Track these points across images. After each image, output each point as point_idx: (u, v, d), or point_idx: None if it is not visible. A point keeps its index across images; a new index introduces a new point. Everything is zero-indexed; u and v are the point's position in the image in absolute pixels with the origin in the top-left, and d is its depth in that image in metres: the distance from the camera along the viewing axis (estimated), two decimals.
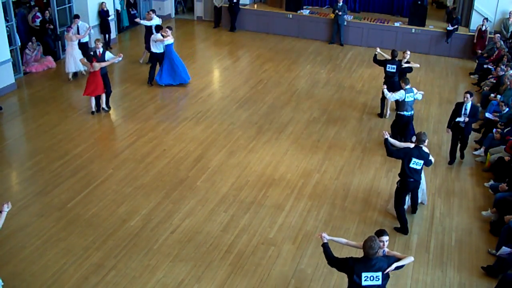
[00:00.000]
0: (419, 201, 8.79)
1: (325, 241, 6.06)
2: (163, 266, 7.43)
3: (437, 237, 8.30)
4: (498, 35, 15.61)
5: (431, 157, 8.08)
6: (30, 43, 14.60)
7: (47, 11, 15.38)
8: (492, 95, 12.53)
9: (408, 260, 5.84)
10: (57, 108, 12.45)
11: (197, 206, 8.83)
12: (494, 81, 13.22)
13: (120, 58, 12.18)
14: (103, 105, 12.21)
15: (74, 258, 7.52)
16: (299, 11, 18.73)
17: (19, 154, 10.47)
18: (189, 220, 8.45)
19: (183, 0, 21.89)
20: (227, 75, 15.05)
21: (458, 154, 10.54)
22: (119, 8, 18.05)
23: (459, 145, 10.41)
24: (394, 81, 11.50)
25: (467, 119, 9.89)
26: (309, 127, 11.81)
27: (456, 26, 16.84)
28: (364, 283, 5.54)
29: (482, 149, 10.66)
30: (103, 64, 11.71)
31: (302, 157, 10.51)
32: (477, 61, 15.55)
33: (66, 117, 11.97)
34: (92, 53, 11.98)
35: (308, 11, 18.96)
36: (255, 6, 19.67)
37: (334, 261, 5.85)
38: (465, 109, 9.89)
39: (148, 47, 14.38)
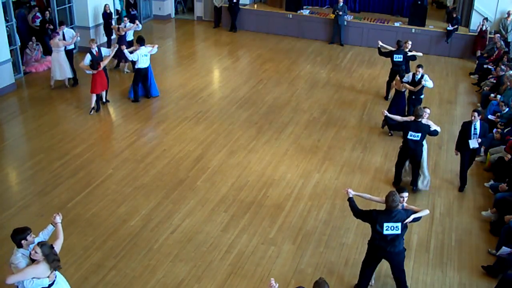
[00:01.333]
0: (422, 187, 9.43)
1: (351, 195, 6.79)
2: (163, 266, 7.43)
3: (437, 237, 8.30)
4: (498, 35, 15.62)
5: (434, 128, 9.08)
6: (30, 43, 14.60)
7: (47, 11, 15.38)
8: (492, 95, 12.53)
9: (425, 212, 6.67)
10: (57, 108, 12.46)
11: (197, 206, 8.83)
12: (494, 81, 13.22)
13: (116, 49, 12.26)
14: (104, 99, 12.46)
15: (74, 258, 7.52)
16: (299, 11, 18.73)
17: (19, 154, 10.46)
18: (189, 220, 8.45)
19: (183, 0, 21.90)
20: (227, 75, 15.06)
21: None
22: (119, 8, 18.03)
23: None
24: (402, 69, 12.06)
25: (479, 140, 9.04)
26: (309, 127, 11.81)
27: (456, 26, 16.84)
28: (385, 232, 6.34)
29: (482, 149, 10.65)
30: (105, 62, 12.03)
31: (302, 157, 10.51)
32: (477, 61, 15.55)
33: (66, 117, 11.98)
34: (89, 55, 11.90)
35: (308, 11, 18.96)
36: (255, 6, 19.67)
37: (359, 213, 6.64)
38: (475, 129, 9.01)
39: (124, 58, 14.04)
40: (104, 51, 12.26)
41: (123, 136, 11.15)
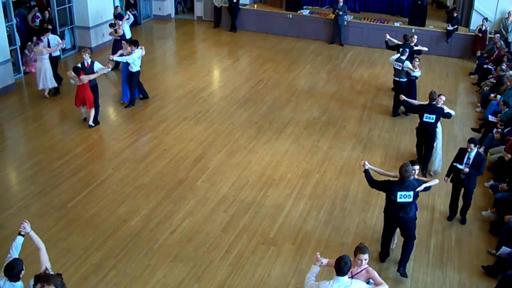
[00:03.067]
0: (436, 167, 10.08)
1: (367, 167, 7.41)
2: (163, 266, 7.43)
3: (437, 237, 8.30)
4: (498, 35, 15.62)
5: (448, 110, 9.77)
6: (29, 43, 14.59)
7: (46, 11, 15.37)
8: (492, 95, 12.53)
9: (434, 182, 7.26)
10: (57, 108, 12.46)
11: (197, 206, 8.83)
12: (494, 81, 13.22)
13: (109, 69, 11.72)
14: (90, 121, 11.34)
15: (74, 258, 7.52)
16: (299, 11, 18.73)
17: (19, 154, 10.46)
18: (189, 220, 8.45)
19: (183, 0, 21.90)
20: (227, 75, 15.05)
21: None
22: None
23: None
24: (409, 61, 12.33)
25: (467, 169, 8.16)
26: (309, 127, 11.81)
27: (456, 26, 16.85)
28: (399, 200, 6.97)
29: (482, 149, 10.65)
30: (92, 77, 11.13)
31: (302, 157, 10.51)
32: (477, 61, 15.55)
33: (66, 117, 11.98)
34: (79, 64, 11.23)
35: (308, 11, 18.96)
36: (255, 6, 19.67)
37: (374, 183, 7.29)
38: (468, 158, 8.27)
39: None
40: (97, 66, 11.39)
41: (123, 136, 11.15)
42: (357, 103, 13.22)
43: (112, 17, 17.07)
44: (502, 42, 15.16)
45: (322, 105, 13.00)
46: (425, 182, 7.18)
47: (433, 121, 9.65)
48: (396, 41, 13.70)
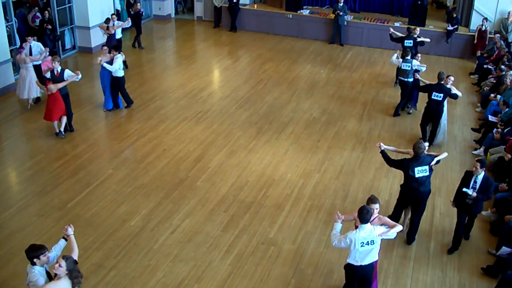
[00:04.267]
0: (440, 140, 10.97)
1: (382, 148, 8.00)
2: (163, 266, 7.43)
3: (437, 237, 8.30)
4: (498, 35, 15.62)
5: (455, 91, 10.49)
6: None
7: (46, 11, 15.37)
8: (492, 95, 12.53)
9: (444, 155, 8.02)
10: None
11: (197, 206, 8.83)
12: (494, 81, 13.22)
13: (79, 76, 10.72)
14: (62, 127, 10.80)
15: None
16: (299, 11, 18.74)
17: (19, 154, 10.46)
18: (189, 220, 8.45)
19: (183, 0, 21.90)
20: (227, 75, 15.05)
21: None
22: (119, 8, 18.05)
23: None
24: (412, 53, 12.70)
25: (474, 194, 7.57)
26: (309, 127, 11.81)
27: (456, 26, 16.85)
28: (417, 175, 7.58)
29: (482, 149, 10.66)
30: (60, 85, 10.46)
31: (302, 157, 10.51)
32: (477, 61, 15.55)
33: None
34: (48, 74, 10.64)
35: (308, 11, 18.96)
36: (255, 6, 19.67)
37: (392, 162, 7.85)
38: (475, 182, 7.66)
39: None
40: (67, 74, 10.66)
41: (123, 136, 11.15)
42: (357, 103, 13.22)
43: (112, 16, 17.12)
44: (502, 42, 15.16)
45: (322, 105, 13.00)
46: (436, 156, 7.85)
47: (440, 99, 10.42)
48: (400, 34, 14.24)
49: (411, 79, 12.09)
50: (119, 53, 11.80)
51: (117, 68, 11.71)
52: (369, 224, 6.16)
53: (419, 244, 8.10)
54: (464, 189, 7.58)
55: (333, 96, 13.58)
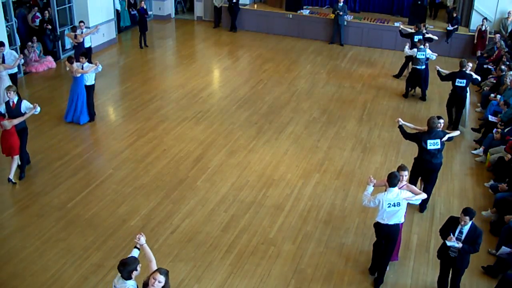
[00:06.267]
0: (467, 125, 11.80)
1: (400, 123, 8.73)
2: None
3: (437, 237, 8.25)
4: (498, 35, 15.62)
5: (475, 76, 11.48)
6: (29, 44, 14.59)
7: (46, 11, 15.39)
8: (492, 95, 12.53)
9: (456, 133, 8.79)
10: (57, 108, 12.44)
11: (197, 206, 8.83)
12: (494, 81, 13.22)
13: (38, 110, 9.22)
14: (11, 174, 9.22)
15: (74, 258, 7.52)
16: (299, 11, 18.74)
17: None
18: (189, 220, 8.45)
19: (183, 0, 21.90)
20: (227, 75, 15.05)
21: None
22: (119, 8, 18.05)
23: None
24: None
25: (460, 245, 6.50)
26: (309, 127, 11.81)
27: (456, 26, 16.85)
28: (429, 147, 8.33)
29: (481, 149, 10.66)
30: (16, 121, 8.99)
31: (302, 157, 10.51)
32: (477, 61, 15.55)
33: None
34: (3, 107, 9.16)
35: (308, 11, 18.96)
36: (255, 6, 19.68)
37: (407, 135, 8.66)
38: (460, 233, 6.55)
39: None
40: (25, 106, 9.24)
41: (123, 136, 11.15)
42: (357, 103, 13.22)
43: (113, 16, 17.16)
44: (502, 42, 15.15)
45: (322, 105, 13.00)
46: (449, 133, 8.54)
47: (463, 85, 11.29)
48: (409, 30, 14.81)
49: (423, 67, 13.02)
50: (86, 59, 11.20)
51: (92, 73, 11.16)
52: (396, 188, 6.80)
53: (419, 244, 8.11)
54: (448, 243, 6.50)
55: (333, 96, 13.58)
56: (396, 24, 17.57)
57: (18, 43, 14.07)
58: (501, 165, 9.54)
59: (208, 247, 7.83)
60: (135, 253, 5.60)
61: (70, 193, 9.08)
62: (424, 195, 7.07)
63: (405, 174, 7.18)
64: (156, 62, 16.05)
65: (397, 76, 14.96)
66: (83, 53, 11.76)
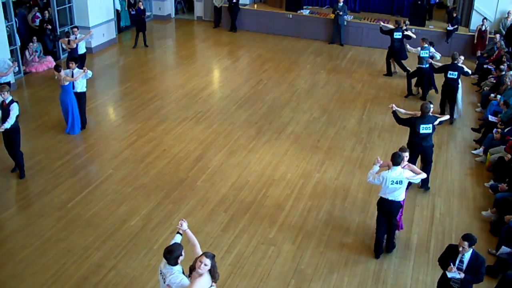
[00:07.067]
0: (456, 116, 12.20)
1: (394, 109, 9.19)
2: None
3: (437, 237, 8.30)
4: (498, 35, 15.62)
5: (466, 70, 11.98)
6: (30, 44, 14.59)
7: (46, 11, 15.38)
8: (492, 95, 12.53)
9: (445, 117, 9.61)
10: (57, 108, 12.38)
11: (197, 206, 8.83)
12: (494, 81, 13.22)
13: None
14: None
15: (74, 258, 7.51)
16: (299, 11, 18.73)
17: None
18: (189, 220, 8.38)
19: (183, 0, 21.90)
20: (227, 75, 15.05)
21: None
22: (119, 8, 18.05)
23: None
24: (401, 45, 14.54)
25: (462, 275, 6.02)
26: (309, 127, 11.81)
27: (456, 26, 16.84)
28: (421, 131, 8.83)
29: (481, 149, 10.65)
30: (6, 126, 8.87)
31: (302, 157, 10.51)
32: (477, 61, 15.55)
33: None
34: None
35: (308, 11, 18.96)
36: (255, 6, 19.67)
37: (401, 120, 9.18)
38: (461, 262, 6.11)
39: None
40: (15, 108, 9.03)
41: (123, 136, 11.15)
42: (357, 103, 13.22)
43: (113, 16, 17.15)
44: (502, 42, 15.15)
45: (322, 105, 13.00)
46: (439, 117, 9.16)
47: (455, 77, 11.80)
48: (389, 26, 15.00)
49: (427, 66, 13.09)
50: (76, 65, 10.81)
51: (82, 80, 10.87)
52: (399, 167, 7.35)
53: (419, 244, 8.11)
54: (449, 275, 6.02)
55: (333, 96, 13.58)
56: None
57: (18, 43, 14.06)
58: (501, 165, 9.53)
59: (208, 247, 7.82)
60: (177, 238, 5.72)
61: (70, 193, 9.08)
62: (424, 175, 7.64)
63: (406, 155, 7.71)
64: (156, 62, 16.05)
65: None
66: (73, 58, 11.40)
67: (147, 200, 8.94)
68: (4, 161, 9.87)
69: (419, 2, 17.46)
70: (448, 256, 6.17)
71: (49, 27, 15.27)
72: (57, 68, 10.57)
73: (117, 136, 11.19)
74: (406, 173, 7.37)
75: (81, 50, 13.61)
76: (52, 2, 15.35)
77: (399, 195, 7.42)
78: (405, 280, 7.37)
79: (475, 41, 16.52)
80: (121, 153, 10.47)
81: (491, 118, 11.24)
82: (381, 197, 7.50)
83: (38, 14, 15.59)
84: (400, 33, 14.43)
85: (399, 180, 7.29)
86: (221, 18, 19.60)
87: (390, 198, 7.39)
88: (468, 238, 6.00)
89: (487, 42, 16.18)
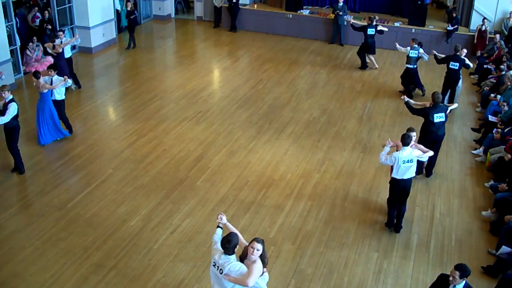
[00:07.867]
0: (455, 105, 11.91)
1: (406, 100, 9.71)
2: (163, 266, 7.42)
3: (437, 237, 8.30)
4: (499, 34, 15.61)
5: (467, 62, 12.37)
6: (30, 44, 14.58)
7: (46, 11, 15.38)
8: (492, 95, 12.53)
9: (455, 105, 10.37)
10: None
11: (197, 206, 8.83)
12: (494, 81, 13.22)
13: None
14: None
15: (74, 258, 7.52)
16: (299, 11, 18.73)
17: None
18: (189, 220, 8.45)
19: (183, 0, 21.90)
20: (227, 75, 15.05)
21: None
22: (119, 8, 18.05)
23: None
24: (374, 41, 15.24)
25: None
26: (309, 127, 11.81)
27: (456, 26, 16.84)
28: (435, 120, 9.27)
29: (481, 149, 10.65)
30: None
31: (302, 157, 10.51)
32: (477, 61, 15.55)
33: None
34: None
35: (308, 11, 18.96)
36: (255, 6, 19.67)
37: (415, 110, 9.60)
38: None
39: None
40: (13, 107, 9.20)
41: (123, 136, 11.15)
42: (357, 103, 13.23)
43: (113, 16, 17.15)
44: (502, 42, 15.15)
45: (322, 105, 13.00)
46: (450, 106, 9.74)
47: (456, 68, 12.28)
48: (361, 23, 15.72)
49: (415, 66, 13.31)
50: (55, 72, 10.56)
51: (61, 88, 10.60)
52: (409, 147, 7.87)
53: (419, 244, 8.11)
54: None
55: (333, 96, 13.58)
56: (396, 24, 17.59)
57: (18, 43, 14.06)
58: (501, 165, 9.54)
59: (208, 247, 7.82)
60: (218, 232, 5.78)
61: (70, 193, 9.09)
62: (431, 152, 8.11)
63: (413, 135, 8.18)
64: (156, 62, 16.05)
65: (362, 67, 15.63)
66: (52, 65, 11.08)
67: (147, 200, 8.94)
68: (4, 161, 9.88)
69: (419, 2, 17.45)
70: (439, 287, 5.64)
71: (49, 27, 15.26)
72: (36, 75, 10.39)
73: (117, 136, 11.19)
74: (416, 152, 7.91)
75: (67, 54, 13.02)
76: (52, 2, 15.35)
77: (411, 173, 7.93)
78: (405, 280, 7.37)
79: (475, 41, 16.52)
80: (121, 153, 10.47)
81: (491, 118, 11.24)
82: (393, 178, 7.98)
83: (38, 14, 15.59)
84: (374, 29, 14.97)
85: (410, 159, 7.82)
86: (221, 18, 19.60)
87: (404, 178, 7.89)
88: (461, 268, 5.48)
89: (487, 42, 16.18)
